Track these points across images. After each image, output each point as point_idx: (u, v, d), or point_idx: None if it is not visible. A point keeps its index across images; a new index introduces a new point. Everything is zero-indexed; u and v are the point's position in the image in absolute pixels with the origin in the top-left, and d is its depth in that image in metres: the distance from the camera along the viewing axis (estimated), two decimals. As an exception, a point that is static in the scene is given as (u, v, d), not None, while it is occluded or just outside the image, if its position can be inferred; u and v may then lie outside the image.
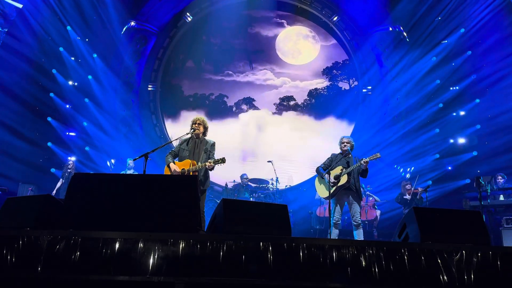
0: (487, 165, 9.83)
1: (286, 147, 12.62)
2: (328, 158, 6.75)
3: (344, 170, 6.37)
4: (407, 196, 9.17)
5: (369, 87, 12.62)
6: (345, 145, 6.52)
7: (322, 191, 6.66)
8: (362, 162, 6.17)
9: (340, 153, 6.65)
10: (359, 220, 6.30)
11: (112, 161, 11.82)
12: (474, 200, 8.16)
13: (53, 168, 10.84)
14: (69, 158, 10.80)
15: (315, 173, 6.87)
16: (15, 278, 2.94)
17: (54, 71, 11.10)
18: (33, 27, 10.54)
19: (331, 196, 6.35)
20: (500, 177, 8.53)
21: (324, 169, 6.61)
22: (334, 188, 6.37)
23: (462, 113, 10.98)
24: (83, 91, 11.50)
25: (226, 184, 10.74)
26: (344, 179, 6.33)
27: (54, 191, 9.59)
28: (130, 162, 9.50)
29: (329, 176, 6.41)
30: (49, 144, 11.06)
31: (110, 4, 11.11)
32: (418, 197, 9.06)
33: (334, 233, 6.31)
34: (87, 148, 11.37)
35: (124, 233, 3.00)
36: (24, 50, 10.53)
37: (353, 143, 6.66)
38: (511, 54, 10.00)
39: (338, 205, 6.42)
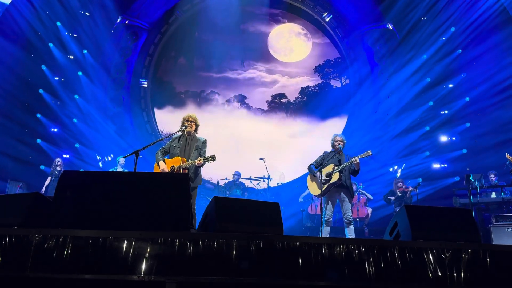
0: (476, 162, 9.92)
1: (277, 145, 12.63)
2: (320, 156, 6.76)
3: (336, 168, 6.39)
4: (398, 193, 9.24)
5: (361, 85, 12.63)
6: (339, 143, 6.52)
7: (314, 189, 6.67)
8: (353, 161, 6.19)
9: (332, 151, 6.66)
10: (350, 217, 6.32)
11: (104, 158, 11.72)
12: (464, 197, 8.20)
13: (43, 165, 10.72)
14: (57, 159, 10.67)
15: (307, 171, 6.88)
16: (3, 277, 2.90)
17: (43, 67, 10.96)
18: (21, 23, 10.39)
19: (322, 193, 6.37)
20: (492, 175, 8.60)
21: (316, 167, 6.62)
22: (326, 185, 6.38)
23: (452, 110, 11.05)
24: (73, 87, 11.38)
25: (218, 182, 10.72)
26: (335, 177, 6.33)
27: (43, 189, 9.48)
28: (121, 160, 9.43)
29: (321, 174, 6.42)
30: (38, 140, 10.93)
31: (100, 0, 10.99)
32: (408, 195, 9.12)
33: (326, 231, 6.33)
34: (77, 145, 11.27)
35: (114, 231, 2.97)
36: (13, 46, 10.39)
37: (345, 141, 6.68)
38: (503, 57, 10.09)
39: (329, 203, 6.44)
